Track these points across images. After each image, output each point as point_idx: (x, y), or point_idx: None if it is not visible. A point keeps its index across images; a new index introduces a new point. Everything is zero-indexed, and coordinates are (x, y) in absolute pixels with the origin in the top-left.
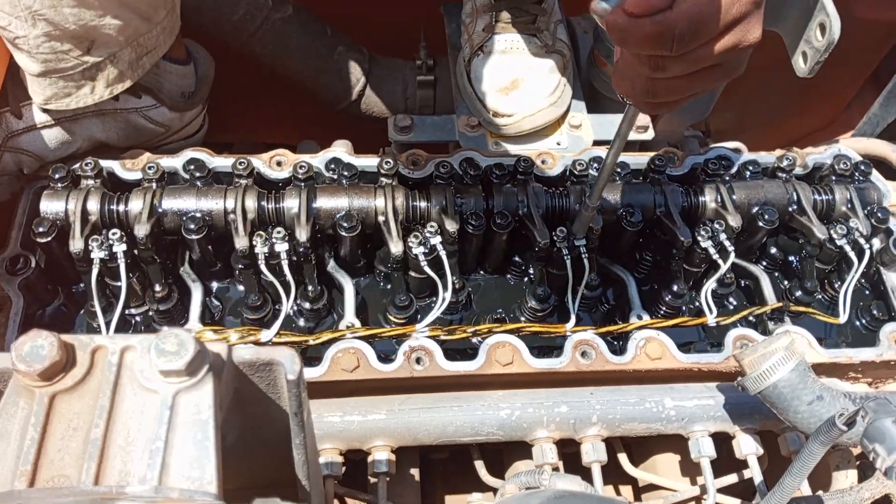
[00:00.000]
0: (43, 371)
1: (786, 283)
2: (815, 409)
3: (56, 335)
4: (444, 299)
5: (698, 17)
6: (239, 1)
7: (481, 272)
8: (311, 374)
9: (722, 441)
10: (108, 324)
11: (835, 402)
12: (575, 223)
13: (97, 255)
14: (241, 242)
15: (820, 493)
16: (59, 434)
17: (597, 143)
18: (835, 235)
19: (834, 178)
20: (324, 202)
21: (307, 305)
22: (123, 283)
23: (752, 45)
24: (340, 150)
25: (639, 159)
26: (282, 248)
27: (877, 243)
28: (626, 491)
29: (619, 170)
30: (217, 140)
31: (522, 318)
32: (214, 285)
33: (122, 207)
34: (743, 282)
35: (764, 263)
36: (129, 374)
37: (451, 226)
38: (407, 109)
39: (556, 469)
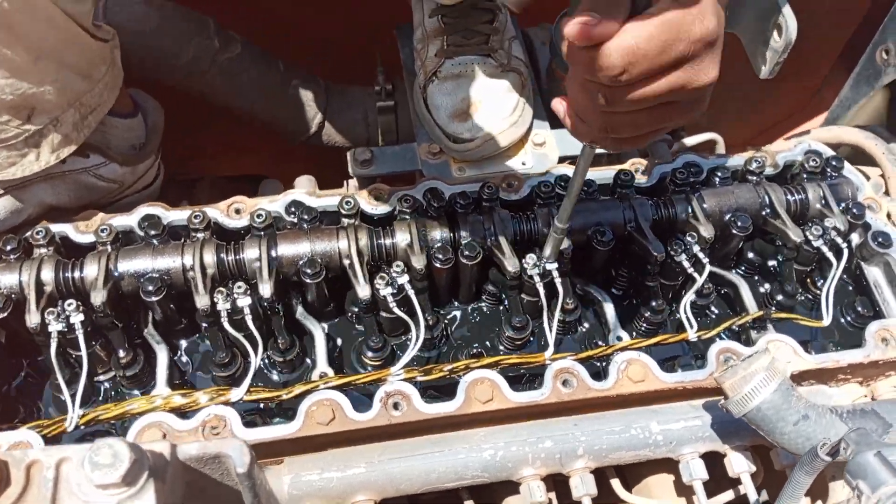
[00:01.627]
0: None
1: (766, 286)
2: (801, 429)
3: None
4: (417, 339)
5: (632, 51)
6: (184, 45)
7: (455, 303)
8: (286, 430)
9: (715, 455)
10: (73, 395)
11: (820, 419)
12: (545, 247)
13: (54, 327)
14: (201, 301)
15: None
16: None
17: (562, 159)
18: (810, 237)
19: (805, 176)
20: (285, 249)
21: (279, 358)
22: (84, 354)
23: (705, 86)
24: (302, 190)
25: (606, 174)
26: (244, 302)
27: (855, 238)
28: None
29: (586, 187)
30: (181, 177)
31: (501, 348)
32: (182, 343)
33: (77, 274)
34: (722, 290)
35: (742, 269)
36: (66, 487)
37: (418, 262)
38: (369, 137)
39: None
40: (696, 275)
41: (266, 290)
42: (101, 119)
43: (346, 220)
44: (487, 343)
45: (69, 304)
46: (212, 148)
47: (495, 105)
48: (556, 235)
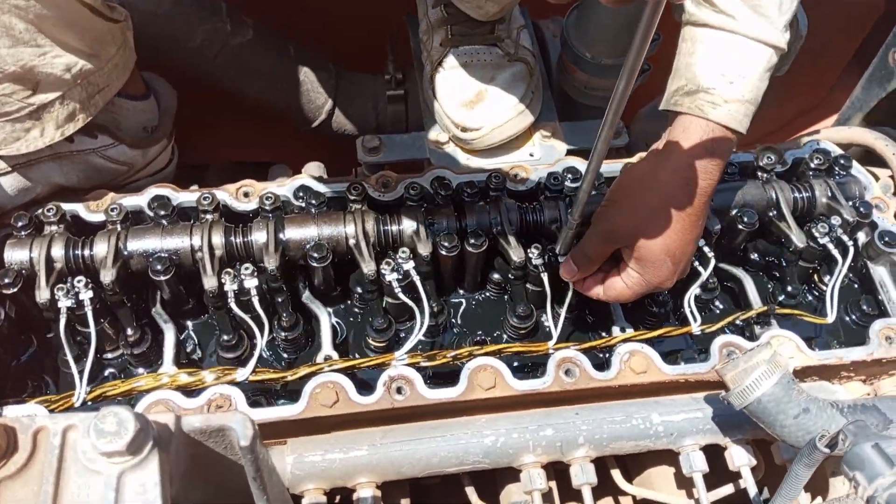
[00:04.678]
0: None
1: (771, 283)
2: (801, 423)
3: None
4: (421, 325)
5: (618, 297)
6: (195, 29)
7: (460, 291)
8: (290, 411)
9: (716, 448)
10: (80, 372)
11: (821, 413)
12: (558, 241)
13: (64, 303)
14: (209, 282)
15: (818, 500)
16: None
17: (570, 152)
18: (816, 234)
19: (813, 174)
20: (292, 233)
21: (283, 335)
22: (93, 331)
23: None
24: (310, 175)
25: (615, 167)
26: (251, 283)
27: (862, 237)
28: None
29: (595, 181)
30: (192, 162)
31: (505, 336)
32: (190, 323)
33: (87, 252)
34: (727, 284)
35: (748, 265)
36: (72, 455)
37: (424, 249)
38: (379, 125)
39: (545, 495)
40: (700, 268)
41: (271, 263)
42: (109, 99)
43: (353, 206)
44: (491, 331)
45: (78, 281)
46: (221, 134)
47: (502, 94)
48: (571, 230)
